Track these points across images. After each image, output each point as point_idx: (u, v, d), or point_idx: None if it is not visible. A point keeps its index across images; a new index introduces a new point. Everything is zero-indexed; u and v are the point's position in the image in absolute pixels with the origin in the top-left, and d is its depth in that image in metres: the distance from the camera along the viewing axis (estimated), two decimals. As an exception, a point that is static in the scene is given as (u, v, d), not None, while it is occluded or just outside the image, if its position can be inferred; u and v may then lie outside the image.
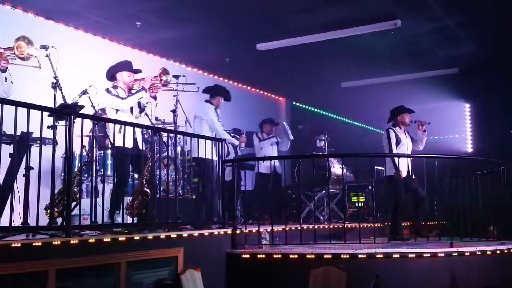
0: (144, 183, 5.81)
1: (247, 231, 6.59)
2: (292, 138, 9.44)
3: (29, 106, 4.44)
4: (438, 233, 7.39)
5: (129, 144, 5.79)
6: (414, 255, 5.81)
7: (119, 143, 5.63)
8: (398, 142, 7.50)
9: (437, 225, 8.11)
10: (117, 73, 6.26)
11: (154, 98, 6.35)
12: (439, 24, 8.77)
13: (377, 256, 5.78)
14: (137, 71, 6.35)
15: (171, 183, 7.38)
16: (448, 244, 6.16)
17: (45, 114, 4.65)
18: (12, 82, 5.09)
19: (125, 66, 6.31)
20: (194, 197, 7.24)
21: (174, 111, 7.29)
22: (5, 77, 5.03)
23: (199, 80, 8.09)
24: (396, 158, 7.16)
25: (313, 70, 10.92)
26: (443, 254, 5.87)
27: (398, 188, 7.29)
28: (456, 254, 5.92)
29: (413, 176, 7.43)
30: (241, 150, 9.36)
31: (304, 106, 14.22)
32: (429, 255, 5.83)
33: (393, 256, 5.78)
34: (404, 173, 7.29)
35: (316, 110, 14.42)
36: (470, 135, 13.17)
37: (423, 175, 6.93)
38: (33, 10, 7.90)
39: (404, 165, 7.34)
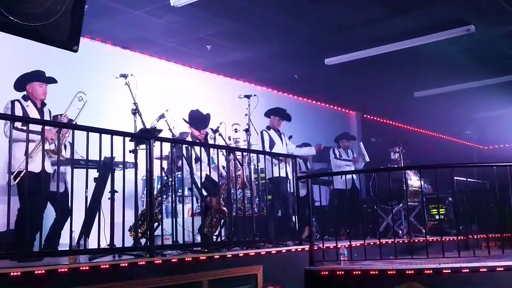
0: (222, 201, 5.91)
1: (324, 247, 6.54)
2: (368, 160, 9.28)
3: (112, 133, 4.65)
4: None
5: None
6: (502, 269, 5.52)
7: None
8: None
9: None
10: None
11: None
12: (515, 26, 8.43)
13: (463, 270, 5.55)
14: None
15: (246, 201, 7.47)
16: (539, 256, 5.83)
17: (127, 139, 4.86)
18: None
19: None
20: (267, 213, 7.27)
21: (247, 130, 7.39)
22: None
23: (269, 98, 8.20)
24: None
25: (384, 82, 10.77)
26: (534, 267, 5.54)
27: None
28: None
29: None
30: (312, 164, 9.29)
31: (376, 118, 14.00)
32: (518, 268, 5.52)
33: (480, 270, 5.53)
34: None
35: (388, 122, 14.16)
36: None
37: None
38: (110, 41, 8.34)
39: None
